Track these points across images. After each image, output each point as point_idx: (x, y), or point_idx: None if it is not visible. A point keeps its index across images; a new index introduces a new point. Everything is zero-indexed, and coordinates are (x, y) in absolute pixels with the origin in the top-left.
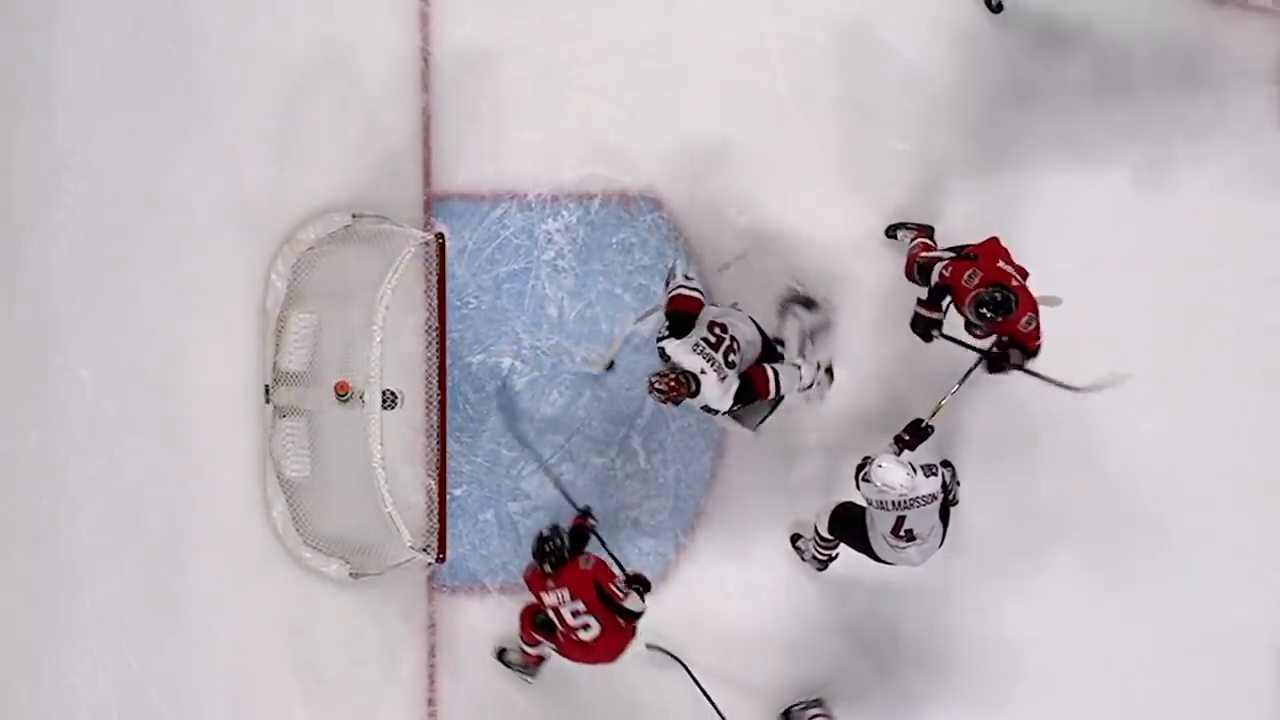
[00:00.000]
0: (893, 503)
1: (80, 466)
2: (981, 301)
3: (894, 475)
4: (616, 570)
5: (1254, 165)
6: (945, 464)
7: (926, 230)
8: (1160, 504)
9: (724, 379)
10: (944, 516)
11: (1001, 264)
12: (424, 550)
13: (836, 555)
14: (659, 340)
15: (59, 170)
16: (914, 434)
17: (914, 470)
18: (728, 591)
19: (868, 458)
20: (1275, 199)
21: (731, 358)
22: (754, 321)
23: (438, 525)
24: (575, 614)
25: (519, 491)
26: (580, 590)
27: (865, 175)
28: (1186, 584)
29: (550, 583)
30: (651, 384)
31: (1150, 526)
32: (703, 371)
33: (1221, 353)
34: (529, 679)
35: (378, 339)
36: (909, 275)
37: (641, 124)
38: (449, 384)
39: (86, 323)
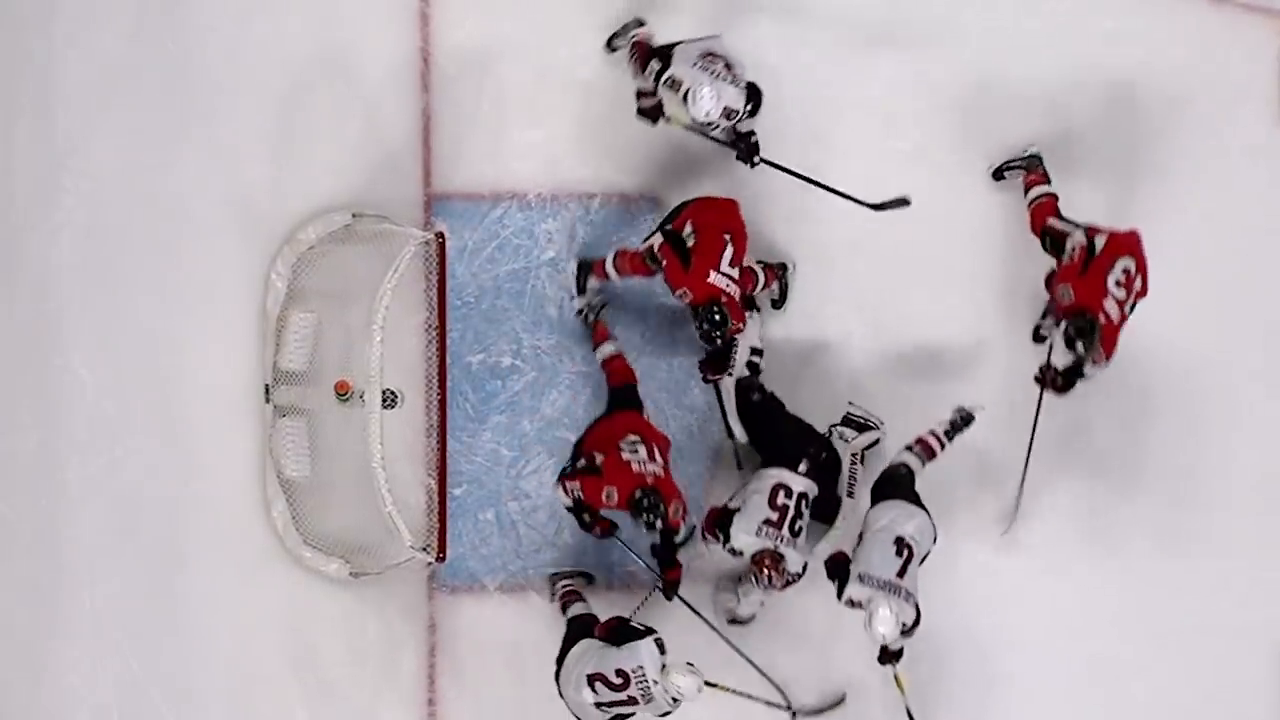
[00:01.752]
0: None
1: (80, 466)
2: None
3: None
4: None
5: (1254, 165)
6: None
7: (1038, 167)
8: (1160, 504)
9: (796, 547)
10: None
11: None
12: (424, 550)
13: None
14: (725, 543)
15: (59, 170)
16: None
17: (898, 613)
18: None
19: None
20: (1275, 198)
21: (799, 524)
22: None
23: (438, 525)
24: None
25: (519, 491)
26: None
27: (865, 175)
28: (1186, 584)
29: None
30: (756, 578)
31: (1150, 527)
32: (777, 548)
33: (1222, 352)
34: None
35: (378, 339)
36: (1038, 236)
37: (641, 124)
38: (449, 384)
39: (86, 323)
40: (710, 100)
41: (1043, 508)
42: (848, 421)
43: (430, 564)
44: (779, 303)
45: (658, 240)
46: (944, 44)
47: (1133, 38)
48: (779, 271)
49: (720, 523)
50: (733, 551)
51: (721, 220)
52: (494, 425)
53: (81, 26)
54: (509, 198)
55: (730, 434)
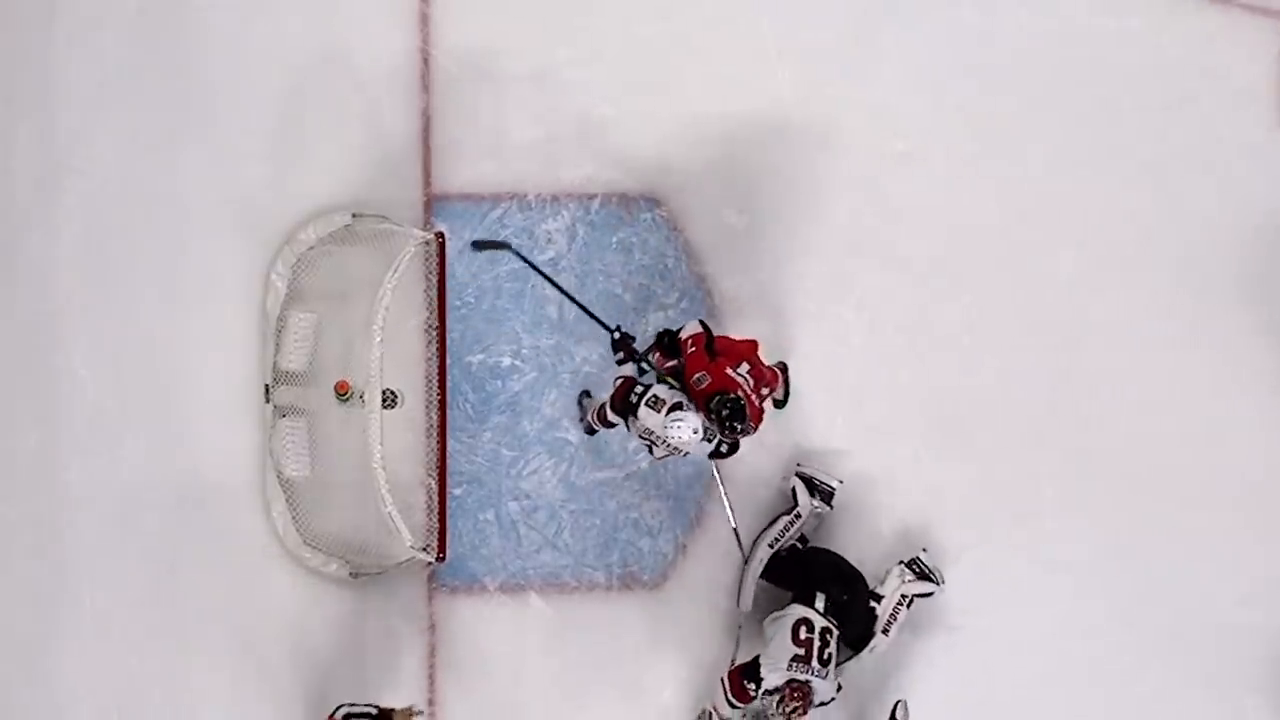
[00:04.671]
0: None
1: (80, 466)
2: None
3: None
4: None
5: (1254, 165)
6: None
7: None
8: (1160, 504)
9: (827, 677)
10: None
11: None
12: (424, 550)
13: None
14: (759, 691)
15: (59, 170)
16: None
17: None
18: (728, 587)
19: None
20: (1275, 198)
21: (827, 653)
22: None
23: (438, 525)
24: None
25: (519, 491)
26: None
27: (865, 174)
28: (1186, 584)
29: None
30: (783, 709)
31: (1150, 526)
32: (809, 681)
33: (1223, 352)
34: None
35: (378, 339)
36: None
37: (641, 124)
38: (449, 384)
39: (86, 323)
40: (687, 431)
41: (1042, 509)
42: (913, 565)
43: (430, 564)
44: (782, 402)
45: (693, 328)
46: (943, 42)
47: (1133, 38)
48: (781, 370)
49: (749, 673)
50: (767, 693)
51: (746, 351)
52: (494, 425)
53: (82, 26)
54: (509, 198)
55: (740, 546)
